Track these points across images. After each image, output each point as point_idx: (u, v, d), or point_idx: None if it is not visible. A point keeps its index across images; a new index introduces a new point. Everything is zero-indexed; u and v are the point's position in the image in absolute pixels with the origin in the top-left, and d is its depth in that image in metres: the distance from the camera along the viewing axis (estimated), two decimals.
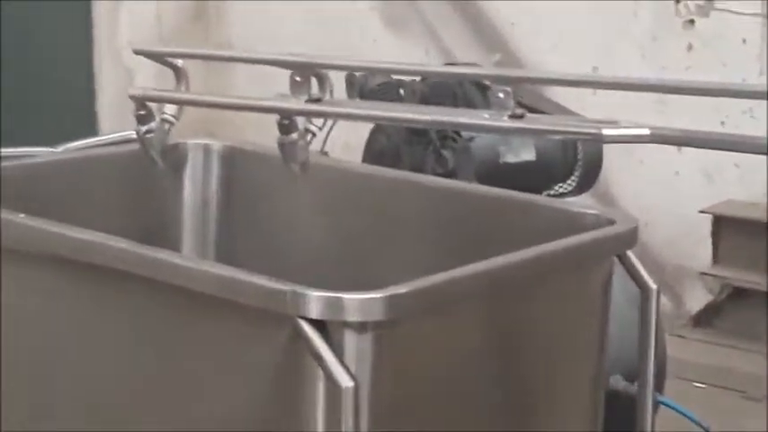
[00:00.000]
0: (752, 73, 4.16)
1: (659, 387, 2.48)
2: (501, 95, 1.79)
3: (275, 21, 5.25)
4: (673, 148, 3.92)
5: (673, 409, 2.56)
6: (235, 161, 2.53)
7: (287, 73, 2.01)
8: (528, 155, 2.69)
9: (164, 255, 1.87)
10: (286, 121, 2.01)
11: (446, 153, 2.74)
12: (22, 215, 2.01)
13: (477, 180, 2.58)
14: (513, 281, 1.89)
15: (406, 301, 1.70)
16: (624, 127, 1.71)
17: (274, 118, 2.02)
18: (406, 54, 4.75)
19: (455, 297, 1.80)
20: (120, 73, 5.07)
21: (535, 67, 4.56)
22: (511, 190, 2.26)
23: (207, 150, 2.54)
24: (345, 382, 1.63)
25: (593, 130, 1.74)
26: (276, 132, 2.04)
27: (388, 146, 2.85)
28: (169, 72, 2.21)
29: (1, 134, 3.27)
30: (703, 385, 3.83)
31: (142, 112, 2.16)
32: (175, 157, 2.47)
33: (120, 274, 1.86)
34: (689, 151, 3.75)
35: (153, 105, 2.18)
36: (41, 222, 1.99)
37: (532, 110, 1.97)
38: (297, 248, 2.42)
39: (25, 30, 4.95)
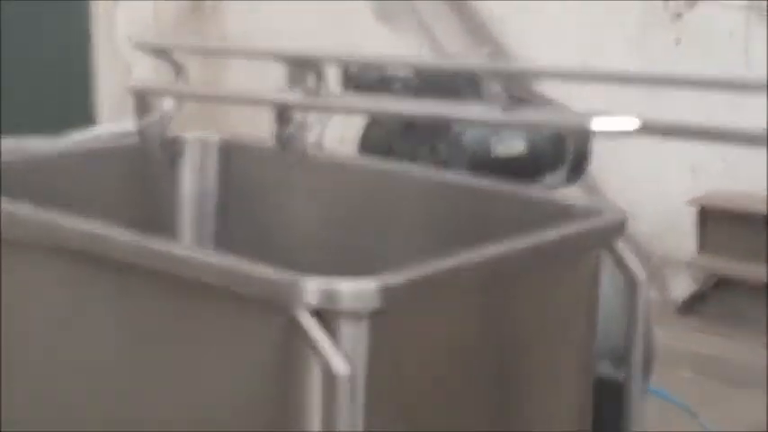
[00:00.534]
0: (738, 66, 4.19)
1: (647, 374, 2.50)
2: (494, 88, 1.82)
3: (270, 17, 5.26)
4: (659, 140, 3.94)
5: (660, 396, 2.58)
6: (232, 154, 2.55)
7: (281, 68, 2.03)
8: (518, 147, 2.71)
9: (162, 244, 1.88)
10: (283, 115, 2.03)
11: (439, 145, 2.77)
12: (23, 206, 2.02)
13: (468, 171, 2.60)
14: (505, 270, 1.91)
15: (401, 289, 1.72)
16: (614, 118, 1.74)
17: (269, 113, 2.04)
18: (399, 49, 4.77)
19: (448, 286, 1.83)
20: (118, 67, 5.08)
21: (525, 60, 4.58)
22: (502, 181, 2.30)
23: (205, 143, 2.55)
24: (341, 369, 1.65)
25: (582, 122, 1.77)
26: (271, 127, 2.06)
27: (382, 138, 2.86)
28: (167, 67, 2.23)
29: (0, 127, 3.28)
30: (690, 373, 3.86)
31: (141, 106, 2.18)
32: (174, 150, 2.48)
33: (119, 263, 1.88)
34: (675, 142, 3.77)
35: (152, 99, 2.20)
36: (41, 213, 2.00)
37: (523, 103, 2.00)
38: (293, 239, 2.44)
39: (24, 25, 4.95)
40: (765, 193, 4.10)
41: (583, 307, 2.07)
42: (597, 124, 1.75)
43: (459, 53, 4.37)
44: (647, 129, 1.74)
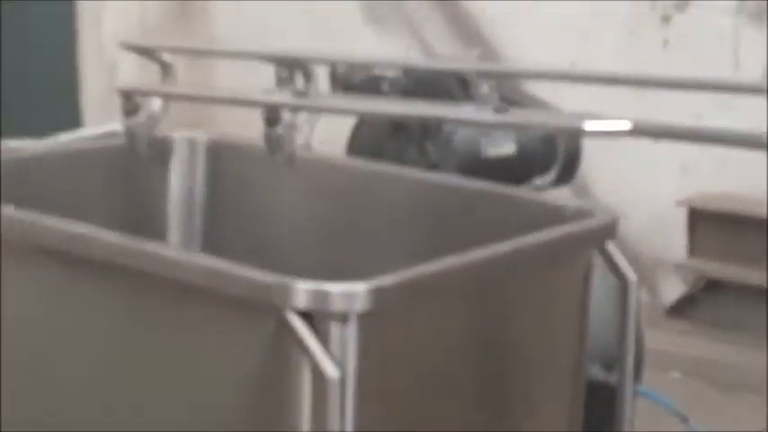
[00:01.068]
0: (726, 67, 4.20)
1: (637, 377, 2.50)
2: (484, 89, 1.82)
3: (258, 18, 5.26)
4: (649, 141, 3.94)
5: (651, 398, 2.58)
6: (220, 154, 2.54)
7: (269, 68, 2.02)
8: (509, 148, 2.71)
9: (151, 246, 1.88)
10: (272, 115, 2.02)
11: (428, 146, 2.76)
12: (9, 207, 2.01)
13: (458, 173, 2.60)
14: (496, 272, 1.91)
15: (392, 291, 1.72)
16: (606, 120, 1.74)
17: (258, 114, 2.04)
18: (388, 50, 4.77)
19: (438, 288, 1.82)
20: (104, 68, 5.07)
21: (514, 61, 4.58)
22: (492, 183, 2.29)
23: (193, 143, 2.55)
24: (331, 372, 1.65)
25: (575, 124, 1.76)
26: (260, 128, 2.06)
27: (372, 139, 2.86)
28: (152, 67, 2.22)
29: None
30: (679, 375, 3.86)
31: (129, 106, 2.17)
32: (162, 151, 2.48)
33: (107, 265, 1.87)
34: (665, 144, 3.77)
35: (139, 99, 2.19)
36: (28, 215, 1.99)
37: (514, 104, 1.99)
38: (282, 240, 2.44)
39: (10, 25, 4.94)
40: (756, 195, 4.10)
41: (574, 309, 2.07)
42: (589, 126, 1.74)
43: (448, 54, 4.37)
44: (639, 130, 1.73)
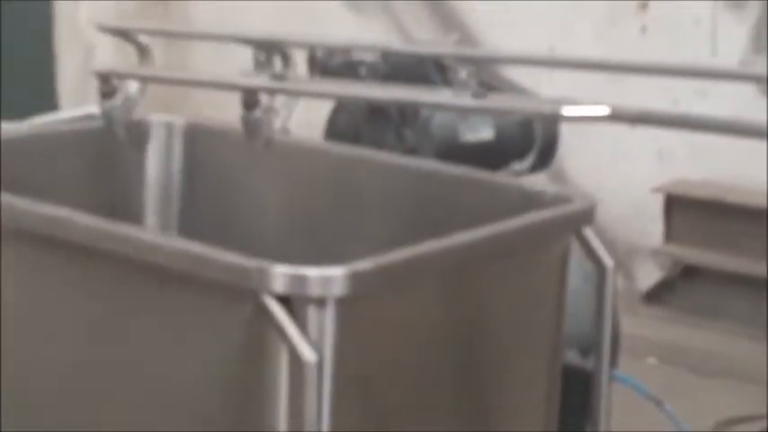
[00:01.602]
0: (704, 54, 4.21)
1: (614, 362, 2.51)
2: (464, 75, 1.81)
3: (235, 3, 5.24)
4: (625, 127, 3.96)
5: (628, 384, 2.59)
6: (198, 138, 2.54)
7: (246, 52, 2.02)
8: (486, 133, 2.71)
9: (128, 230, 1.87)
10: (250, 99, 2.02)
11: (406, 131, 2.76)
12: None
13: (436, 158, 2.60)
14: (474, 258, 1.91)
15: (369, 276, 1.72)
16: (584, 106, 1.74)
17: (234, 97, 2.03)
18: (366, 34, 4.76)
19: (416, 273, 1.82)
20: (80, 50, 5.05)
21: (492, 47, 4.58)
22: (470, 168, 2.29)
23: (170, 127, 2.54)
24: (309, 356, 1.65)
25: (553, 109, 1.76)
26: (236, 111, 2.05)
27: (349, 124, 2.85)
28: (128, 50, 2.21)
29: None
30: (655, 361, 3.88)
31: (106, 89, 2.16)
32: (139, 134, 2.46)
33: (84, 249, 1.87)
34: (641, 130, 3.79)
35: (116, 82, 2.18)
36: (4, 198, 1.98)
37: (492, 89, 1.99)
38: (259, 225, 2.43)
39: None
40: (733, 182, 4.11)
41: (551, 295, 2.07)
42: (567, 111, 1.74)
43: (426, 39, 4.36)
44: (617, 116, 1.73)
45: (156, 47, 2.20)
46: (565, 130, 2.86)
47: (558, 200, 2.09)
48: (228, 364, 1.76)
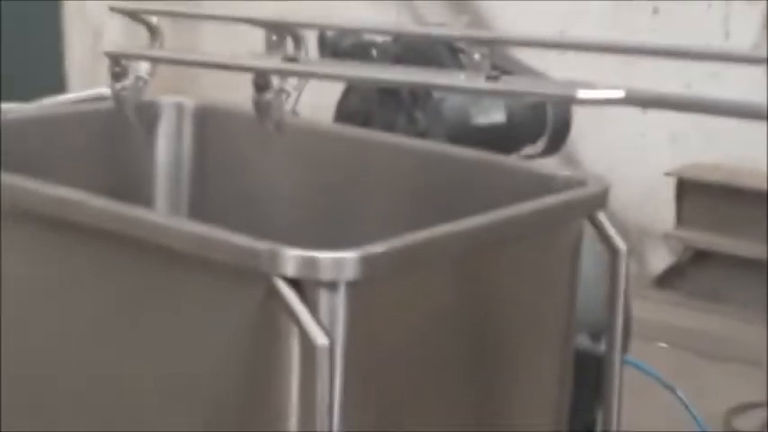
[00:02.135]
0: (716, 36, 4.19)
1: (625, 346, 2.50)
2: (477, 57, 1.80)
3: None
4: (638, 111, 3.94)
5: (639, 368, 2.58)
6: (208, 119, 2.53)
7: (255, 33, 2.00)
8: (498, 116, 2.69)
9: (140, 212, 1.86)
10: (261, 81, 2.00)
11: (418, 114, 2.74)
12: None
13: (448, 141, 2.59)
14: (487, 241, 1.90)
15: (382, 260, 1.71)
16: (599, 89, 1.72)
17: (241, 78, 2.02)
18: (377, 15, 4.75)
19: (429, 257, 1.81)
20: (89, 32, 5.04)
21: (502, 29, 4.56)
22: (481, 151, 2.28)
23: (180, 108, 2.53)
24: (320, 340, 1.64)
25: (568, 92, 1.75)
26: (245, 92, 2.04)
27: (360, 106, 2.84)
28: (137, 30, 2.20)
29: None
30: (666, 345, 3.87)
31: (117, 70, 2.15)
32: (149, 115, 2.46)
33: (94, 231, 1.86)
34: (654, 114, 3.77)
35: (126, 63, 2.17)
36: (13, 179, 1.97)
37: (505, 72, 1.98)
38: (270, 207, 2.42)
39: None
40: (745, 166, 4.10)
41: (564, 279, 2.06)
42: (582, 94, 1.72)
43: (437, 21, 4.34)
44: (633, 99, 1.72)
45: (165, 26, 2.19)
46: (577, 114, 2.84)
47: (571, 183, 2.08)
48: (239, 348, 1.76)
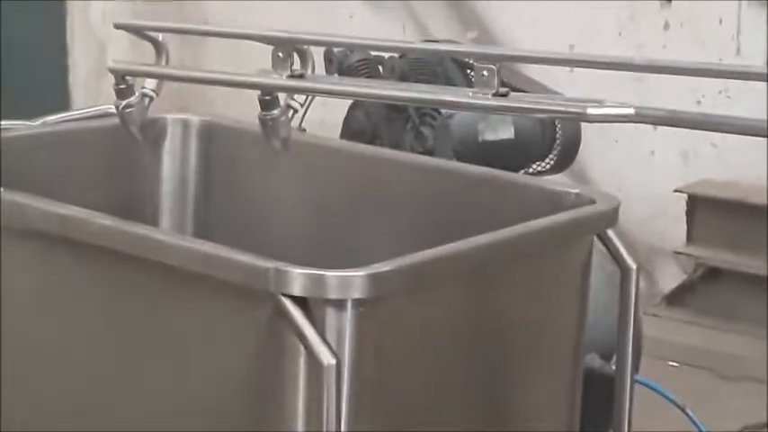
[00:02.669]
0: (728, 52, 4.18)
1: (636, 366, 2.48)
2: (485, 74, 1.78)
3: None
4: (648, 127, 3.93)
5: (650, 387, 2.57)
6: (214, 136, 2.52)
7: (261, 49, 1.99)
8: (506, 133, 2.69)
9: (144, 230, 1.85)
10: (268, 97, 1.99)
11: (425, 130, 2.74)
12: (1, 189, 1.98)
13: (455, 158, 2.58)
14: (495, 260, 1.88)
15: (389, 278, 1.70)
16: (609, 106, 1.71)
17: (250, 93, 2.01)
18: (383, 30, 4.75)
19: (436, 275, 1.80)
20: (93, 47, 5.04)
21: (511, 44, 4.56)
22: (490, 168, 2.26)
23: (186, 125, 2.52)
24: (327, 359, 1.63)
25: (578, 110, 1.73)
26: (251, 107, 2.03)
27: (367, 123, 2.84)
28: (142, 47, 2.19)
29: None
30: (677, 364, 3.85)
31: (122, 87, 2.14)
32: (154, 132, 2.45)
33: (99, 249, 1.85)
34: (665, 130, 3.76)
35: (131, 79, 2.16)
36: (17, 196, 1.97)
37: (514, 89, 1.96)
38: (275, 225, 2.41)
39: None
40: (756, 183, 4.08)
41: (573, 297, 2.05)
42: (592, 112, 1.71)
43: (445, 37, 4.34)
44: (642, 117, 1.70)
45: (170, 43, 2.18)
46: (586, 130, 2.83)
47: (581, 201, 2.07)
48: (246, 366, 1.74)
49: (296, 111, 2.07)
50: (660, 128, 3.83)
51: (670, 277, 4.33)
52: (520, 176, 2.42)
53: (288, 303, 1.65)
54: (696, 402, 2.76)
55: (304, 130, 2.61)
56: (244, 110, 2.16)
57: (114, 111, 2.20)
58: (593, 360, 2.43)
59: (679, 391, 2.70)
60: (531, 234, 1.91)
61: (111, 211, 1.90)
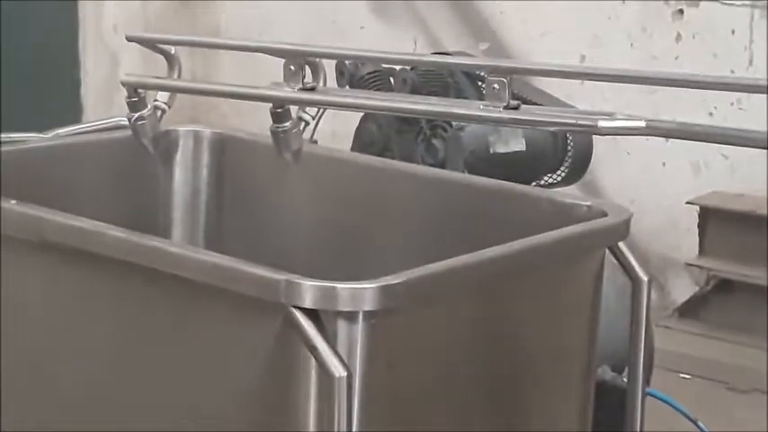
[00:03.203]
0: (741, 64, 4.17)
1: (647, 378, 2.48)
2: (496, 86, 1.78)
3: (262, 8, 5.24)
4: (660, 139, 3.93)
5: (662, 400, 2.56)
6: (226, 149, 2.52)
7: (273, 60, 2.00)
8: (518, 145, 2.69)
9: (158, 243, 1.85)
10: (279, 110, 2.00)
11: (436, 143, 2.74)
12: (13, 201, 1.99)
13: (466, 170, 2.58)
14: (506, 272, 1.88)
15: (400, 290, 1.70)
16: (620, 119, 1.71)
17: (262, 105, 2.01)
18: (394, 42, 4.75)
19: (448, 287, 1.80)
20: (105, 59, 5.05)
21: (523, 56, 4.55)
22: (500, 180, 2.26)
23: (198, 137, 2.53)
24: (338, 371, 1.63)
25: (589, 122, 1.73)
26: (263, 119, 2.03)
27: (378, 135, 2.84)
28: (154, 58, 2.20)
29: None
30: (689, 376, 3.84)
31: (134, 99, 2.14)
32: (166, 144, 2.46)
33: (111, 261, 1.85)
34: (676, 142, 3.75)
35: (143, 91, 2.17)
36: (29, 208, 1.97)
37: (525, 101, 1.96)
38: (288, 237, 2.41)
39: (10, 17, 4.91)
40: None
41: (585, 309, 2.04)
42: (604, 124, 1.71)
43: (456, 48, 4.34)
44: (654, 129, 1.70)
45: (182, 53, 2.18)
46: (597, 142, 2.83)
47: (593, 213, 2.06)
48: (257, 378, 1.75)
49: (307, 123, 2.07)
50: (671, 140, 3.82)
51: (682, 289, 4.32)
52: (531, 189, 2.41)
53: (299, 315, 1.65)
54: (708, 415, 2.75)
55: (315, 141, 2.62)
56: (256, 122, 2.16)
57: (126, 123, 2.20)
58: (605, 372, 2.43)
59: (691, 404, 2.69)
60: (543, 247, 1.91)
61: (122, 223, 1.91)
